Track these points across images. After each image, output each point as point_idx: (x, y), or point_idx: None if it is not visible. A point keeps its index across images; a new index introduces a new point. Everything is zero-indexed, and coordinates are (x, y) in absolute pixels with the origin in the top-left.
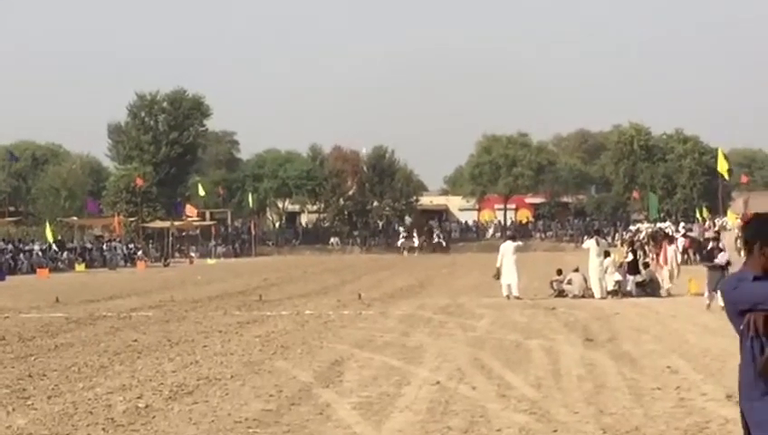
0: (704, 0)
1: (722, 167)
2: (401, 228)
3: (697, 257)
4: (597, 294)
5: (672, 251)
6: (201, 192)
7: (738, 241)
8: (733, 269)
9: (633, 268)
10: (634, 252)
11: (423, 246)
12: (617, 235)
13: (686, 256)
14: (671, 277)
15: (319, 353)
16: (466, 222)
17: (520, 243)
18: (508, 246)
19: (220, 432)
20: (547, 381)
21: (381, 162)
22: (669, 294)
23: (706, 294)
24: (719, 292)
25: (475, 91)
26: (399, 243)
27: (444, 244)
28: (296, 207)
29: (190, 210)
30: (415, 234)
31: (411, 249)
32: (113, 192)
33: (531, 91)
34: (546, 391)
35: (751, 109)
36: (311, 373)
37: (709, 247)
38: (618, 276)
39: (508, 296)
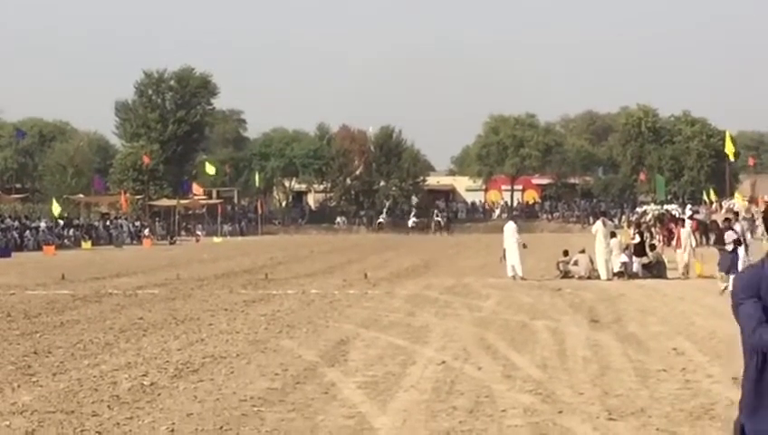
0: None
1: (729, 149)
2: (413, 209)
3: (704, 239)
4: (603, 275)
5: (686, 234)
6: (209, 170)
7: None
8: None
9: (640, 250)
10: (641, 234)
11: (429, 226)
12: (623, 216)
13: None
14: (687, 263)
15: (324, 333)
16: (473, 202)
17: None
18: (510, 227)
19: (225, 410)
20: (552, 361)
21: (388, 142)
22: (686, 276)
23: (721, 275)
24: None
25: (483, 71)
26: (410, 223)
27: (441, 223)
28: (303, 187)
29: (197, 189)
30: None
31: (437, 228)
32: (120, 170)
33: (538, 73)
34: (551, 372)
35: (759, 91)
36: (316, 352)
37: (721, 228)
38: (624, 258)
39: (514, 277)
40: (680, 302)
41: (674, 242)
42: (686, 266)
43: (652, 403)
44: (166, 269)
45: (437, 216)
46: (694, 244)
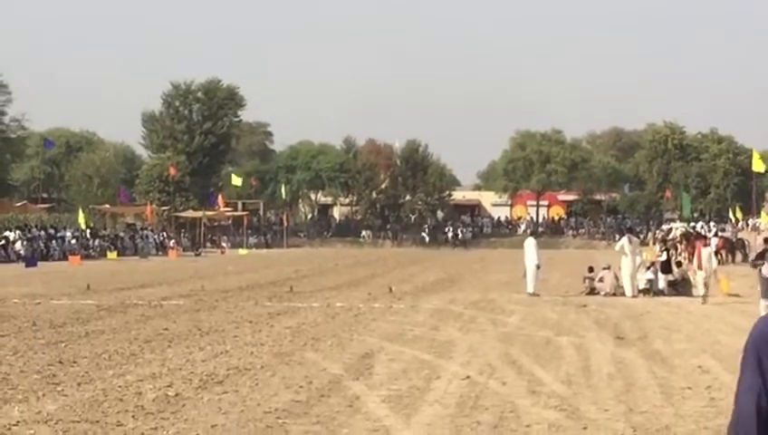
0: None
1: (757, 163)
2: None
3: (730, 257)
4: (628, 292)
5: (707, 254)
6: (236, 182)
7: None
8: None
9: (666, 267)
10: (667, 251)
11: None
12: (649, 233)
13: (719, 257)
14: (706, 284)
15: (349, 346)
16: (499, 218)
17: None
18: (529, 243)
19: (249, 422)
20: (577, 378)
21: (414, 156)
22: (705, 301)
23: (763, 304)
24: None
25: (510, 86)
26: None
27: (455, 239)
28: (329, 200)
29: (221, 201)
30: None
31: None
32: (146, 181)
33: (565, 88)
34: (576, 389)
35: None
36: (341, 365)
37: (761, 250)
38: (650, 275)
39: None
40: (705, 319)
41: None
42: (706, 291)
43: (677, 421)
44: (191, 280)
45: (456, 230)
46: (715, 265)
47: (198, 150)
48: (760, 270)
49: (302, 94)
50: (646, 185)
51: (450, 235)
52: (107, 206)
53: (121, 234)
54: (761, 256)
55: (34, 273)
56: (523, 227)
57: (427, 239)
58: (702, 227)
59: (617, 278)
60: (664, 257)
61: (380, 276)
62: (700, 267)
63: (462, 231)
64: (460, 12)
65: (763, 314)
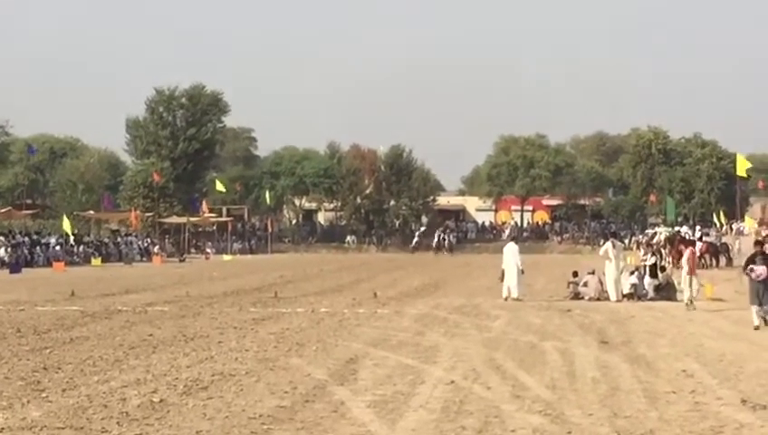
0: (723, 4)
1: (741, 167)
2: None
3: (713, 262)
4: (613, 296)
5: (687, 255)
6: (220, 188)
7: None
8: None
9: (654, 271)
10: (653, 254)
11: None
12: (633, 238)
13: (702, 261)
14: (692, 293)
15: (334, 351)
16: (483, 223)
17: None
18: (511, 248)
19: (234, 428)
20: (562, 382)
21: (399, 161)
22: (691, 307)
23: (754, 309)
24: None
25: (494, 91)
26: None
27: (445, 242)
28: (313, 205)
29: (204, 207)
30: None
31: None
32: (130, 187)
33: (549, 93)
34: (561, 393)
35: None
36: (325, 371)
37: (751, 254)
38: (634, 279)
39: (506, 298)
40: (689, 323)
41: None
42: (691, 297)
43: (661, 425)
44: (175, 286)
45: (443, 234)
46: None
47: (182, 156)
48: (750, 275)
49: (286, 100)
50: (630, 189)
51: (435, 240)
52: (91, 212)
53: (106, 240)
54: (752, 260)
55: (19, 279)
56: (507, 231)
57: (415, 243)
58: (686, 232)
59: (601, 283)
60: (652, 261)
61: (365, 281)
62: (693, 272)
63: (447, 236)
64: (442, 18)
65: (756, 322)
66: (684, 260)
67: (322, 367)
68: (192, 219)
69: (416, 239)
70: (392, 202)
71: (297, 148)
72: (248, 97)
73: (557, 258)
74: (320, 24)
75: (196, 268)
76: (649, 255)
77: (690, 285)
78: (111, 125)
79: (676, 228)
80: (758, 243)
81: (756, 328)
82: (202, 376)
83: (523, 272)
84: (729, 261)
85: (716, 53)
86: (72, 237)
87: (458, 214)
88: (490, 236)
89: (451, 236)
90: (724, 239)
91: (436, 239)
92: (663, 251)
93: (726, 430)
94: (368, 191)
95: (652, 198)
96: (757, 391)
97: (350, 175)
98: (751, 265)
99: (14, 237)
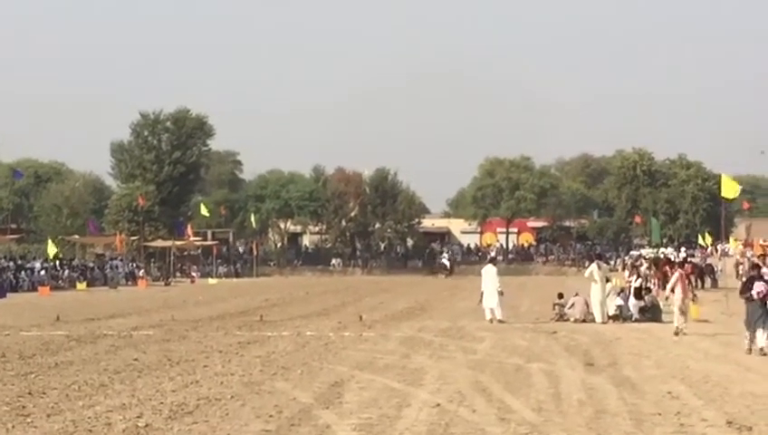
0: (707, 24)
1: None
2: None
3: (699, 283)
4: (598, 318)
5: (677, 277)
6: (204, 212)
7: (740, 267)
8: None
9: (639, 293)
10: (639, 276)
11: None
12: (618, 259)
13: (688, 282)
14: (683, 311)
15: (319, 375)
16: (468, 245)
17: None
18: (489, 271)
19: None
20: (547, 404)
21: (384, 184)
22: (681, 332)
23: (746, 333)
24: None
25: (479, 114)
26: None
27: (447, 265)
28: (298, 228)
29: (189, 231)
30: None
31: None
32: (115, 211)
33: (534, 115)
34: (547, 415)
35: (754, 135)
36: (311, 394)
37: (748, 277)
38: (619, 301)
39: (491, 320)
40: (675, 345)
41: (668, 285)
42: (680, 322)
43: None
44: (161, 310)
45: (443, 258)
46: (680, 294)
47: (167, 180)
48: (748, 298)
49: (271, 123)
50: (615, 211)
51: (448, 263)
52: (76, 236)
53: (91, 264)
54: (750, 283)
55: (3, 304)
56: (492, 253)
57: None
58: (672, 253)
59: (587, 305)
60: (638, 283)
61: (350, 305)
62: (684, 293)
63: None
64: (427, 41)
65: (746, 346)
66: (672, 282)
67: (308, 390)
68: (177, 243)
69: (446, 263)
70: (377, 225)
71: (282, 171)
72: (233, 120)
73: (542, 280)
74: (304, 46)
75: (182, 292)
76: (635, 276)
77: (683, 313)
78: (96, 149)
79: (661, 250)
80: (755, 266)
81: (748, 351)
82: (187, 400)
83: (502, 293)
84: (714, 282)
85: (701, 74)
86: (57, 262)
87: (443, 236)
88: (475, 258)
89: (444, 258)
90: (709, 260)
91: (448, 263)
92: (648, 273)
93: None
94: (353, 214)
95: (637, 219)
96: (743, 413)
97: (335, 198)
98: (750, 288)
99: None
